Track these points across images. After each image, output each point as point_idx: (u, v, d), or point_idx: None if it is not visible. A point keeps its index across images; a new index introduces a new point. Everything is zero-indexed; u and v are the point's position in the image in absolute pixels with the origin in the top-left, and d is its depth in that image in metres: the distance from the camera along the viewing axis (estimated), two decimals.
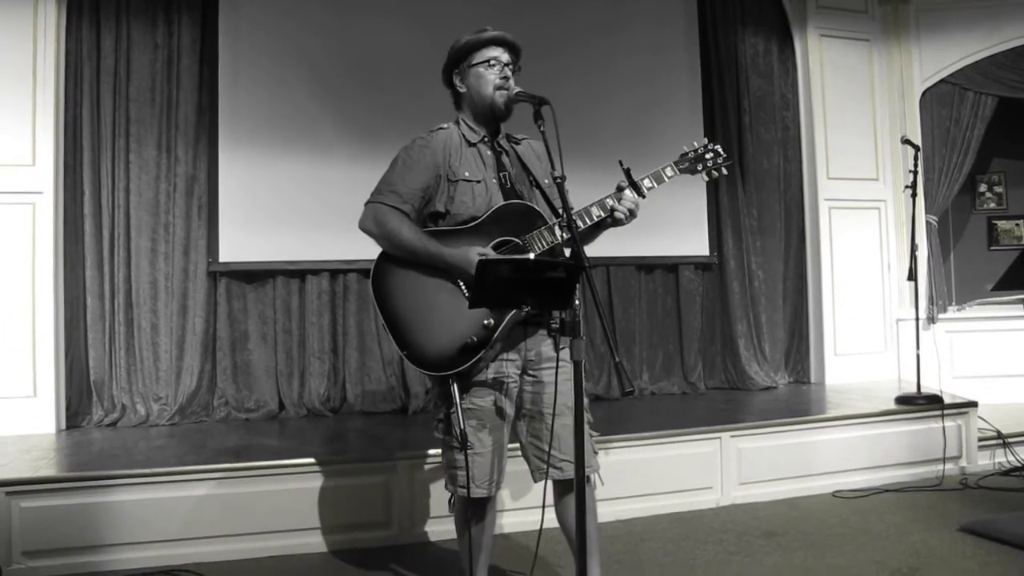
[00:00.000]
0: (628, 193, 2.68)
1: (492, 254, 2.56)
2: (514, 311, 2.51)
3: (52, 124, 4.82)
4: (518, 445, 2.72)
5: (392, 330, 2.58)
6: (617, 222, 2.70)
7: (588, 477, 2.59)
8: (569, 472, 2.57)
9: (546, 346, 2.67)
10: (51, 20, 4.86)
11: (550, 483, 2.67)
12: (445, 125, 2.75)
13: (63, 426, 4.82)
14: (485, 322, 2.52)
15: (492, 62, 2.68)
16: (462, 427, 2.52)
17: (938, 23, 6.39)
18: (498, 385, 2.61)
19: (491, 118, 2.72)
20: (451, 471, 2.64)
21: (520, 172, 2.78)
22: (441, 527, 3.77)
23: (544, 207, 2.71)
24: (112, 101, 5.11)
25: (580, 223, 2.65)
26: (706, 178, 2.87)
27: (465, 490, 2.59)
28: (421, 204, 2.66)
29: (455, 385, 2.54)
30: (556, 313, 2.33)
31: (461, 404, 2.55)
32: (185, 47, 5.24)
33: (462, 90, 2.73)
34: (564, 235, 2.60)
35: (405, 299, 2.59)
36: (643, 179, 2.72)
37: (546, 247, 2.62)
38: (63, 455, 4.13)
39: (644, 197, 2.73)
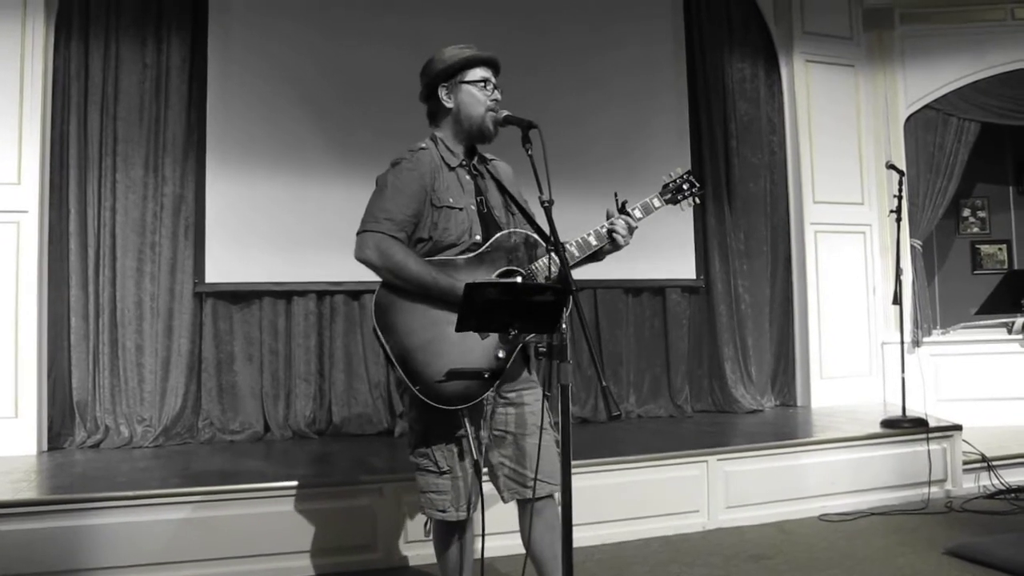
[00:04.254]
0: (620, 220, 2.71)
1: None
2: (522, 341, 2.48)
3: (39, 142, 4.80)
4: (485, 468, 2.70)
5: (402, 364, 2.48)
6: (615, 243, 2.71)
7: (552, 495, 2.60)
8: (539, 491, 2.56)
9: (519, 369, 2.67)
10: (39, 38, 4.85)
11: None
12: (423, 144, 2.69)
13: (45, 448, 4.76)
14: (499, 354, 2.51)
15: (485, 83, 2.66)
16: (475, 457, 2.52)
17: (922, 50, 6.47)
18: (480, 413, 2.61)
19: (476, 139, 2.70)
20: (427, 495, 2.62)
21: (497, 195, 2.77)
22: (426, 551, 3.73)
23: (527, 227, 2.72)
24: (100, 120, 5.10)
25: (577, 251, 2.68)
26: (684, 208, 2.92)
27: (444, 514, 2.58)
28: (412, 230, 2.60)
29: (466, 418, 2.51)
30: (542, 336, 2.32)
31: (450, 434, 2.56)
32: (174, 67, 5.25)
33: (449, 105, 2.68)
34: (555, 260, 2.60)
35: (414, 333, 2.50)
36: (633, 210, 2.76)
37: (551, 275, 2.61)
38: (44, 477, 4.09)
39: (636, 227, 2.76)
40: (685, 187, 2.87)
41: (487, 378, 2.49)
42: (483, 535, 2.63)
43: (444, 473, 2.57)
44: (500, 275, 2.60)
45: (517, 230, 2.69)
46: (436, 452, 2.58)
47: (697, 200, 2.91)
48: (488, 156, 2.85)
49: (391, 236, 2.53)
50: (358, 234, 2.57)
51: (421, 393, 2.46)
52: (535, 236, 2.69)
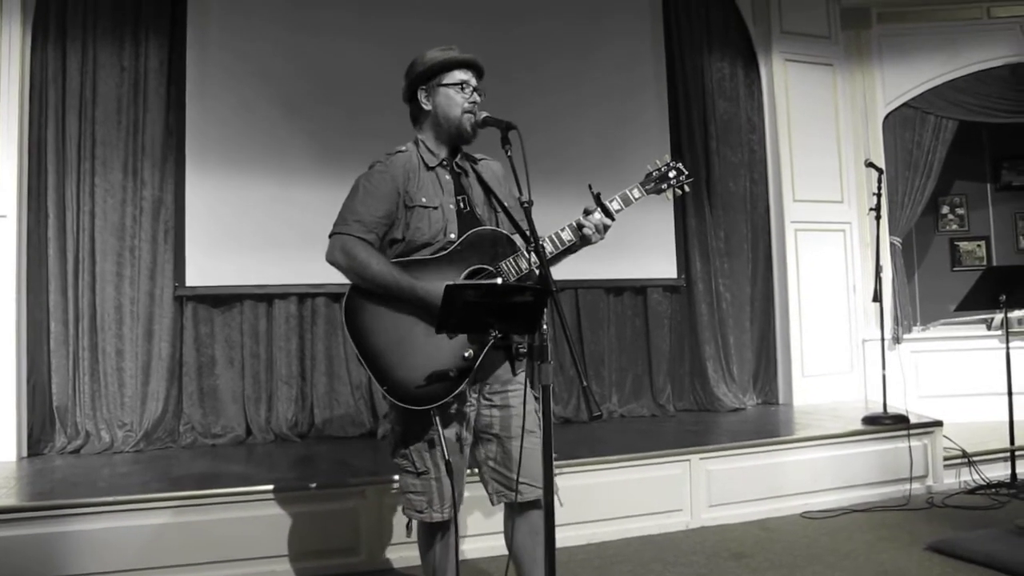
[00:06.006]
0: (596, 215, 2.69)
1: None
2: (492, 341, 2.46)
3: (16, 147, 4.75)
4: (475, 470, 2.71)
5: (371, 366, 2.51)
6: (586, 239, 2.68)
7: (538, 499, 2.59)
8: (528, 495, 2.56)
9: (504, 370, 2.66)
10: (15, 42, 4.80)
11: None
12: (403, 147, 2.70)
13: (24, 453, 4.71)
14: (465, 354, 2.50)
15: (463, 85, 2.66)
16: (447, 457, 2.50)
17: (899, 48, 6.52)
18: (460, 413, 2.60)
19: (456, 140, 2.70)
20: (407, 496, 2.63)
21: (481, 193, 2.76)
22: (410, 552, 3.71)
23: (510, 229, 2.70)
24: (78, 123, 5.05)
25: (551, 247, 2.66)
26: (670, 197, 2.87)
27: (422, 515, 2.59)
28: (384, 232, 2.61)
29: (437, 417, 2.51)
30: (523, 337, 2.31)
31: (425, 434, 2.55)
32: (152, 69, 5.21)
33: (427, 108, 2.68)
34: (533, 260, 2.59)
35: (382, 333, 2.52)
36: (611, 201, 2.72)
37: (521, 275, 2.60)
38: (24, 483, 4.05)
39: (614, 220, 2.72)
40: (671, 175, 2.82)
41: (454, 377, 2.49)
42: (456, 535, 2.61)
43: (422, 474, 2.57)
44: (469, 274, 2.59)
45: (489, 228, 2.68)
46: (414, 453, 2.58)
47: (686, 188, 2.86)
48: (478, 156, 2.84)
49: (358, 238, 2.55)
50: (329, 237, 2.60)
51: (389, 393, 2.48)
52: (507, 234, 2.68)
